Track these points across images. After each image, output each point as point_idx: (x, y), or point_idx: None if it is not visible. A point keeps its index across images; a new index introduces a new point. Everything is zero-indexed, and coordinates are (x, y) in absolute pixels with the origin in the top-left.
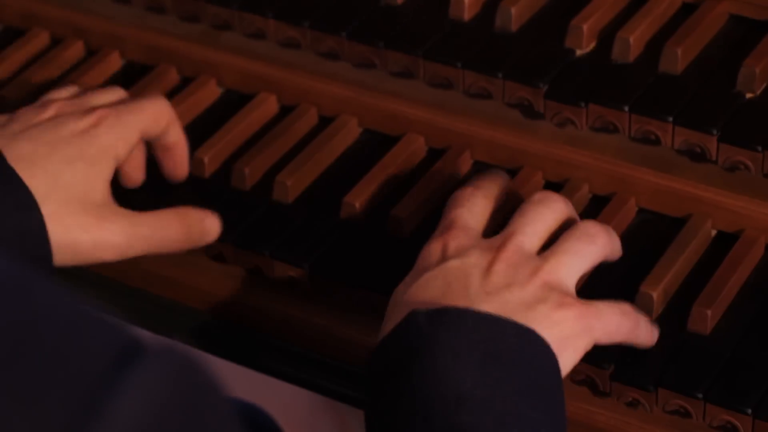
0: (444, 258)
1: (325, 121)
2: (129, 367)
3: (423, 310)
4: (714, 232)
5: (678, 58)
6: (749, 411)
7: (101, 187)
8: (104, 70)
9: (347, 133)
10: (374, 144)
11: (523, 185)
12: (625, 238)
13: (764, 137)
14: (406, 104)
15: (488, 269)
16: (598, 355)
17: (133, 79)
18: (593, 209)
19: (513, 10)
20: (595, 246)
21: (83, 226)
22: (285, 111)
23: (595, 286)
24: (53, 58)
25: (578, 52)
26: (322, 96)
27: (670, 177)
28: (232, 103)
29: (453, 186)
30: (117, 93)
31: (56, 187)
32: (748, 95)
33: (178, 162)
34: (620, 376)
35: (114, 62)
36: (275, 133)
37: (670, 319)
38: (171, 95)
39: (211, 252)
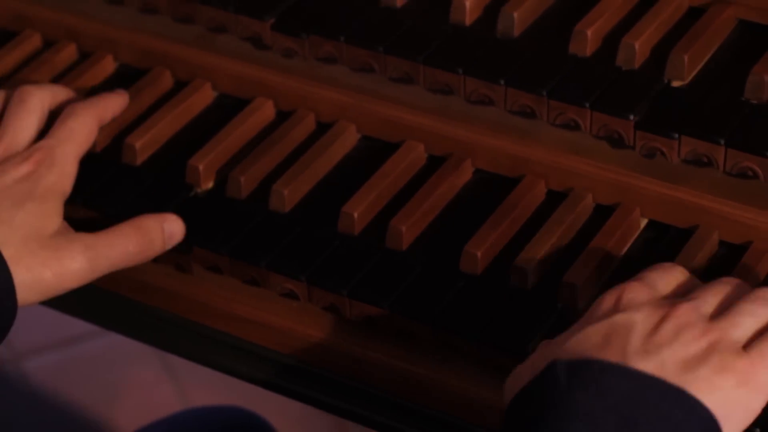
0: (614, 310)
1: (323, 128)
2: None
3: (565, 360)
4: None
5: (685, 64)
6: None
7: (55, 220)
8: (97, 73)
9: (345, 140)
10: (373, 151)
11: (525, 194)
12: (631, 250)
13: None
14: (406, 110)
15: (655, 327)
16: None
17: (127, 83)
18: (598, 219)
19: (515, 15)
20: None
21: (43, 261)
22: (282, 117)
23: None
24: (46, 60)
25: (582, 58)
26: (320, 101)
27: (675, 187)
28: (227, 108)
29: (454, 195)
30: (35, 111)
31: (11, 231)
32: (756, 102)
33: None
34: None
35: (107, 65)
36: (272, 140)
37: None
38: (165, 99)
39: (207, 263)
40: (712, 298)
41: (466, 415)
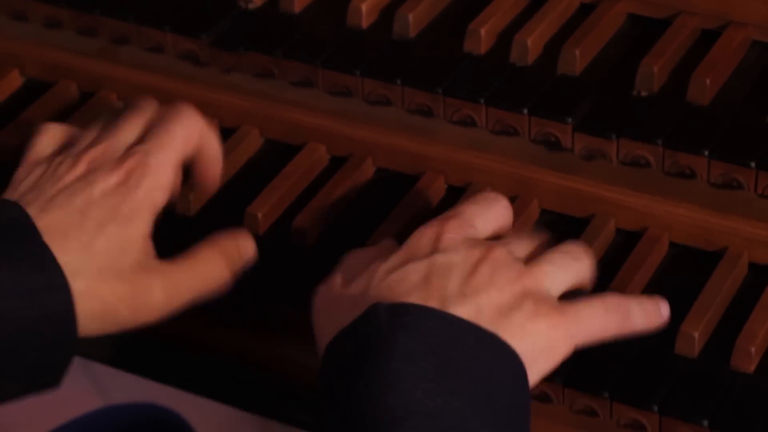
0: (433, 250)
1: (227, 133)
2: None
3: (385, 304)
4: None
5: (576, 59)
6: (655, 408)
7: (137, 246)
8: (4, 88)
9: (249, 144)
10: (277, 154)
11: (425, 190)
12: None
13: (663, 132)
14: (307, 113)
15: (472, 270)
16: None
17: (33, 97)
18: None
19: (410, 16)
20: (580, 263)
21: (119, 294)
22: None
23: None
24: None
25: (477, 56)
26: (223, 107)
27: (572, 177)
28: None
29: (355, 194)
30: (143, 116)
31: (89, 259)
32: (646, 93)
33: (208, 173)
34: None
35: (14, 80)
36: None
37: None
38: (70, 111)
39: None
40: (526, 240)
41: None
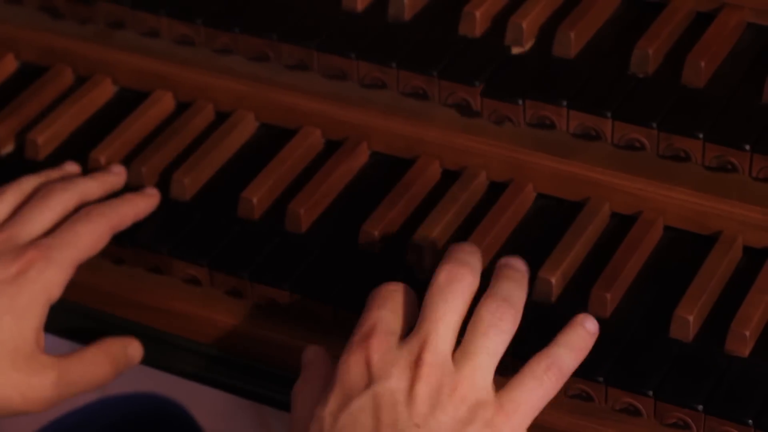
0: (369, 380)
1: (222, 117)
2: None
3: None
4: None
5: (571, 41)
6: (650, 393)
7: (32, 337)
8: None
9: (244, 128)
10: (272, 138)
11: (421, 174)
12: (524, 224)
13: (658, 115)
14: (302, 97)
15: (411, 393)
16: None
17: (29, 80)
18: (491, 196)
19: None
20: (503, 332)
21: (13, 383)
22: (181, 108)
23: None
24: None
25: (472, 39)
26: (218, 91)
27: (567, 161)
28: (127, 101)
29: (351, 178)
30: (52, 209)
31: None
32: (642, 76)
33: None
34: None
35: (9, 64)
36: (172, 131)
37: (570, 303)
38: (66, 95)
39: (111, 256)
40: (442, 326)
41: None
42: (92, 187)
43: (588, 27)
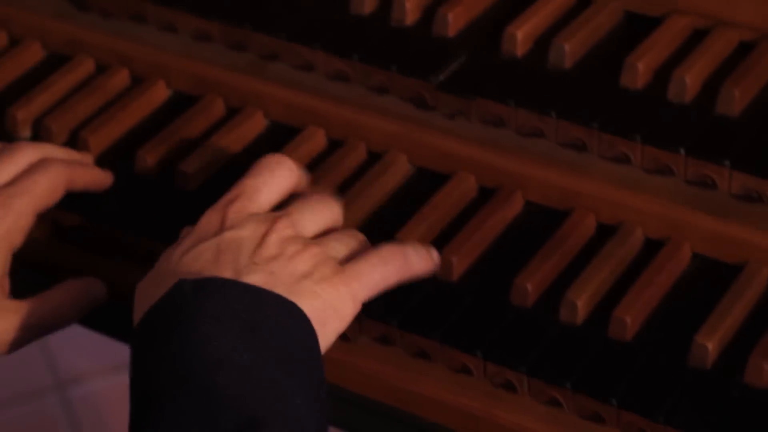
0: (221, 229)
1: (373, 157)
2: None
3: (190, 280)
4: None
5: (735, 98)
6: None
7: None
8: (150, 99)
9: (397, 170)
10: (425, 181)
11: (575, 227)
12: (679, 284)
13: None
14: (458, 142)
15: (260, 242)
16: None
17: (180, 109)
18: (646, 253)
19: (566, 47)
20: (360, 236)
21: None
22: (333, 145)
23: (650, 330)
24: (98, 86)
25: (633, 91)
26: (371, 130)
27: (726, 222)
28: (279, 135)
29: (504, 227)
30: (15, 162)
31: None
32: None
33: (95, 186)
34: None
35: (160, 92)
36: (323, 169)
37: (733, 370)
38: (217, 126)
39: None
40: (309, 215)
41: None
42: (59, 153)
43: (754, 83)
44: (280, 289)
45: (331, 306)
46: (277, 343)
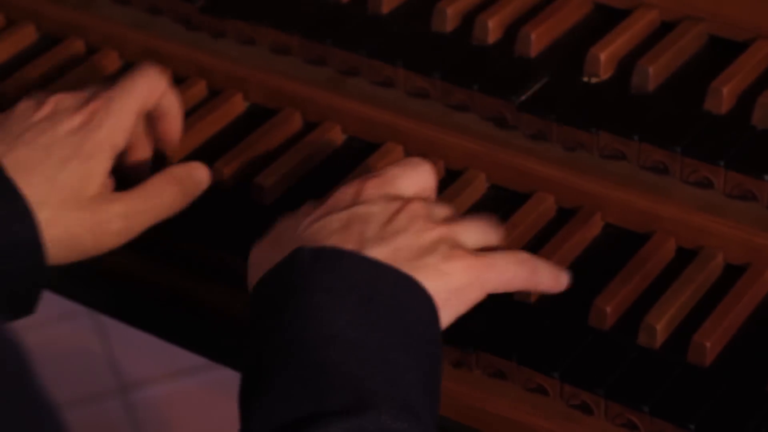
0: (353, 203)
1: (452, 175)
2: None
3: (309, 248)
4: None
5: None
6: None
7: (97, 180)
8: (228, 111)
9: (475, 189)
10: (503, 200)
11: (655, 250)
12: (760, 311)
13: None
14: (537, 162)
15: (390, 218)
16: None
17: (257, 122)
18: (727, 279)
19: (650, 70)
20: (497, 232)
21: (82, 223)
22: None
23: (729, 356)
24: None
25: (717, 116)
26: (450, 149)
27: None
28: (356, 150)
29: (583, 248)
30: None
31: (53, 190)
32: None
33: (169, 129)
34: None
35: (237, 104)
36: None
37: None
38: (294, 140)
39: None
40: (443, 206)
41: None
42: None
43: None
44: (403, 264)
45: (455, 287)
46: (393, 319)
